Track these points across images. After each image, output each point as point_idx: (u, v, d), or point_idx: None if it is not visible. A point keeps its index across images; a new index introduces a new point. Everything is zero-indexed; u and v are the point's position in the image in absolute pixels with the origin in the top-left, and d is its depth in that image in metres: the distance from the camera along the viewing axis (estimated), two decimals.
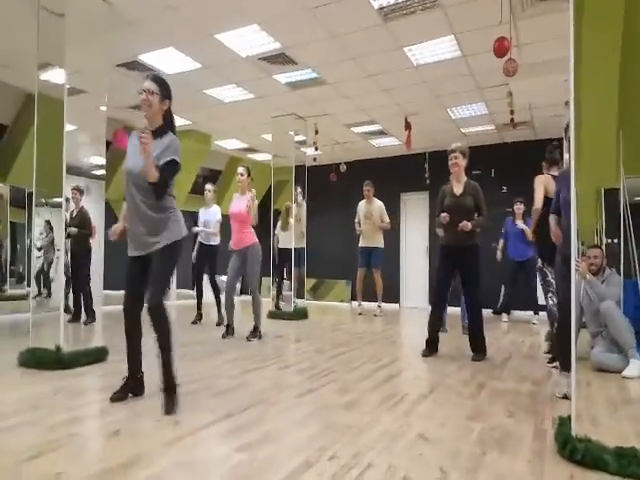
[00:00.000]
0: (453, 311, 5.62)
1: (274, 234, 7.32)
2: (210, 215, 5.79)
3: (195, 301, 6.03)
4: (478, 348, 3.94)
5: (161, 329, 2.49)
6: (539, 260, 4.06)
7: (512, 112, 5.79)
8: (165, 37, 4.84)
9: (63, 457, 1.85)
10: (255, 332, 4.78)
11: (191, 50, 5.13)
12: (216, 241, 5.83)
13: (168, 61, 5.38)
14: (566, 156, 5.68)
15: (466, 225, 3.78)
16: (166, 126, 2.55)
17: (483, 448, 2.02)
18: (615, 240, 5.57)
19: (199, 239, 5.88)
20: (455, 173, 4.02)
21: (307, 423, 2.30)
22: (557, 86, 5.37)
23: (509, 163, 7.94)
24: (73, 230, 4.69)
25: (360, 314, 7.29)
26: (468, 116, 7.10)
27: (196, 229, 5.78)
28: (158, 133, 2.49)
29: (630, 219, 4.41)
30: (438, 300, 4.14)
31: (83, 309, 4.73)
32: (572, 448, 1.88)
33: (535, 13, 4.21)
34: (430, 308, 4.19)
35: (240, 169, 4.81)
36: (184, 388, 2.75)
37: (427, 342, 4.10)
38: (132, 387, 2.64)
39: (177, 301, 8.88)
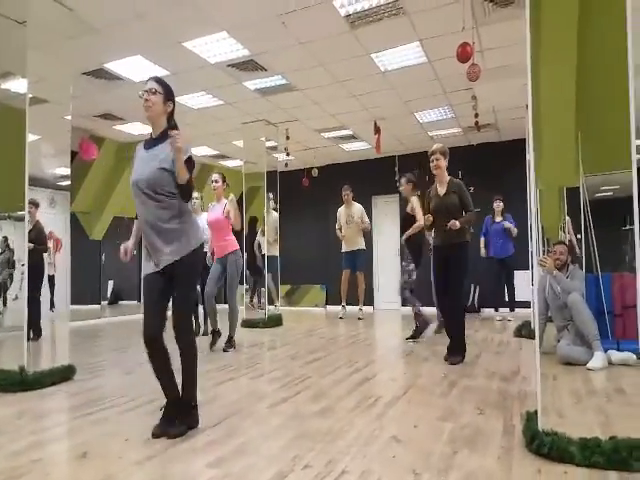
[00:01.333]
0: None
1: (254, 241, 7.28)
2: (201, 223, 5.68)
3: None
4: (457, 350, 3.85)
5: (187, 351, 2.36)
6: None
7: (477, 115, 5.94)
8: (132, 45, 4.76)
9: None
10: (230, 342, 4.72)
11: (159, 58, 5.07)
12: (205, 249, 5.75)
13: (135, 69, 5.29)
14: (528, 157, 5.85)
15: (454, 224, 3.75)
16: (170, 129, 2.37)
17: (454, 447, 2.05)
18: (578, 236, 5.77)
19: None
20: (437, 174, 4.05)
21: (280, 433, 2.29)
22: (519, 89, 5.53)
23: (476, 164, 8.12)
24: (30, 246, 4.54)
25: (341, 318, 7.26)
26: (435, 120, 7.23)
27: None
28: (165, 136, 2.34)
29: (590, 216, 4.58)
30: (442, 303, 4.09)
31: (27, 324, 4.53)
32: (539, 442, 1.94)
33: (496, 19, 4.33)
34: (439, 314, 4.11)
35: (214, 176, 4.69)
36: (156, 404, 2.70)
37: (448, 347, 3.97)
38: (176, 413, 2.34)
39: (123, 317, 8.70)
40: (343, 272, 7.20)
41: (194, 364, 2.39)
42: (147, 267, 2.36)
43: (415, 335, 5.01)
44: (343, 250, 7.16)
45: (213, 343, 4.75)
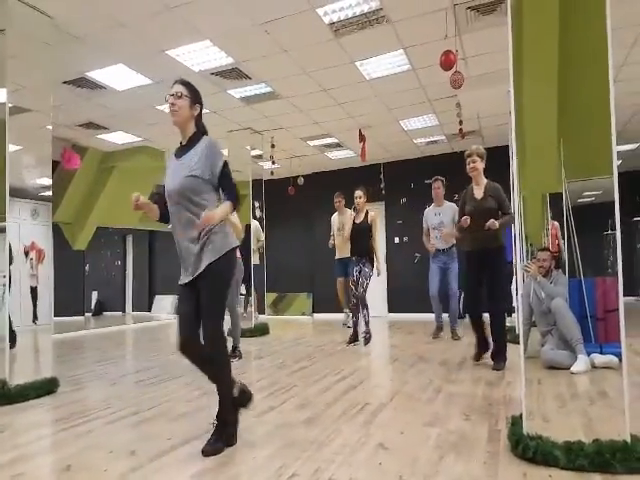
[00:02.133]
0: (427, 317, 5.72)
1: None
2: None
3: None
4: (499, 356, 3.77)
5: (217, 361, 2.24)
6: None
7: (461, 122, 6.02)
8: (114, 53, 4.74)
9: None
10: (234, 352, 4.64)
11: (142, 66, 5.05)
12: None
13: (118, 77, 5.27)
14: (512, 163, 5.94)
15: (493, 223, 3.61)
16: (200, 133, 2.33)
17: (441, 452, 2.06)
18: (561, 241, 5.86)
19: None
20: (474, 177, 3.94)
21: (267, 443, 2.27)
22: (502, 96, 5.63)
23: (460, 171, 8.19)
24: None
25: (344, 324, 7.04)
26: (420, 127, 7.31)
27: None
28: (193, 141, 2.29)
29: (573, 221, 4.66)
30: (472, 306, 3.93)
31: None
32: (524, 446, 1.95)
33: (479, 27, 4.40)
34: (468, 316, 4.00)
35: None
36: (140, 416, 2.67)
37: (477, 350, 4.00)
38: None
39: (132, 324, 8.60)
40: (337, 281, 7.07)
41: (226, 373, 2.25)
42: (182, 278, 2.27)
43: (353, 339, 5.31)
44: (336, 257, 7.11)
45: None
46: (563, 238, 5.34)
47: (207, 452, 2.11)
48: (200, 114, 2.35)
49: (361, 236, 5.25)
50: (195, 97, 2.31)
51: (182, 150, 2.33)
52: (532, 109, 4.04)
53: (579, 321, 3.72)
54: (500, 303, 3.86)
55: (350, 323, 7.07)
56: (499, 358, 3.77)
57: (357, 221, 5.33)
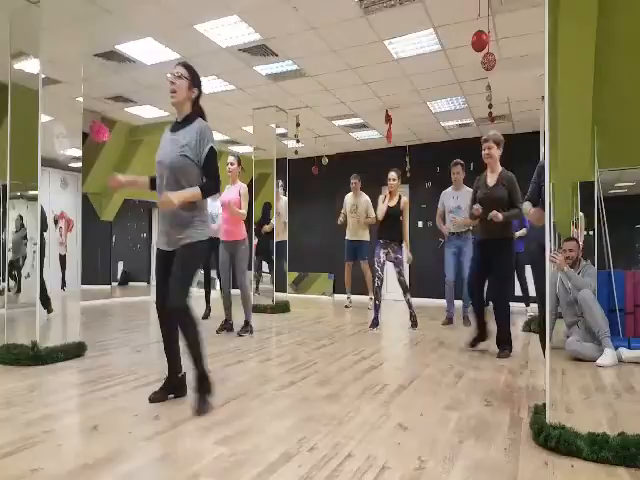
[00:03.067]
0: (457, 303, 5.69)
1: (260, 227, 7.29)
2: (214, 207, 5.74)
3: (204, 296, 6.01)
4: (503, 343, 3.81)
5: (184, 331, 2.38)
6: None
7: (490, 106, 5.86)
8: (144, 27, 4.74)
9: (39, 454, 1.82)
10: (247, 327, 4.75)
11: (170, 40, 5.03)
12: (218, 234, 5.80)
13: (147, 51, 5.27)
14: (542, 149, 5.76)
15: (496, 215, 3.60)
16: (195, 114, 2.46)
17: (460, 436, 2.06)
18: (590, 232, 5.70)
19: None
20: (489, 164, 3.87)
21: (287, 415, 2.31)
22: (534, 80, 5.44)
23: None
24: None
25: (347, 307, 7.27)
26: (447, 110, 7.14)
27: None
28: (188, 121, 2.42)
29: (604, 212, 4.52)
30: (474, 294, 3.95)
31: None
32: (546, 435, 1.93)
33: (512, 7, 4.24)
34: (470, 303, 4.06)
35: (230, 158, 4.74)
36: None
37: (476, 336, 4.01)
38: (173, 387, 2.55)
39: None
40: (346, 263, 7.15)
41: (194, 336, 2.39)
42: (159, 242, 2.50)
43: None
44: (346, 237, 7.12)
45: (221, 329, 4.81)
46: (593, 229, 5.19)
47: (199, 412, 2.30)
48: (198, 97, 2.48)
49: (393, 220, 5.17)
50: (194, 80, 2.44)
51: (177, 126, 2.46)
52: (566, 95, 3.90)
53: (607, 314, 3.63)
54: (505, 293, 3.87)
55: (370, 305, 7.14)
56: (503, 346, 3.79)
57: (391, 205, 5.22)
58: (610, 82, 4.24)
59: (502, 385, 2.91)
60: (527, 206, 3.31)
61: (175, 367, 2.55)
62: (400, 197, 5.26)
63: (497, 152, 3.84)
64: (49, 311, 4.65)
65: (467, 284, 4.12)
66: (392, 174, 5.26)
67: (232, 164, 4.70)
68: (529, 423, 2.11)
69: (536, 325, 5.02)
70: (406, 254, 5.23)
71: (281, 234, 7.12)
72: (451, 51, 5.16)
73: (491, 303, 3.99)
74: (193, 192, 2.33)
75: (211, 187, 2.39)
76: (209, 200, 2.60)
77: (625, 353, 3.50)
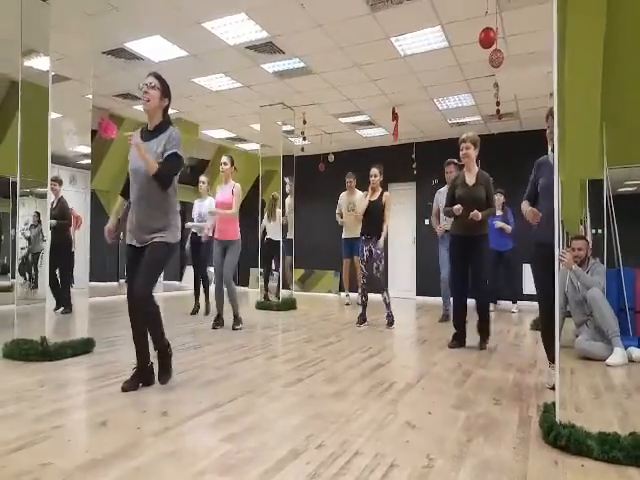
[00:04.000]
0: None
1: (261, 224, 7.28)
2: (204, 207, 5.78)
3: (193, 292, 6.13)
4: (484, 333, 4.00)
5: (148, 319, 2.62)
6: None
7: (498, 103, 5.81)
8: (152, 24, 4.74)
9: (49, 449, 1.84)
10: (237, 320, 4.84)
11: (178, 38, 5.04)
12: (210, 233, 5.83)
13: (155, 49, 5.28)
14: (549, 147, 5.71)
15: (477, 215, 3.77)
16: (165, 122, 2.64)
17: (469, 435, 2.05)
18: (599, 231, 5.65)
19: (193, 230, 5.88)
20: (466, 163, 4.01)
21: (295, 412, 2.31)
22: (542, 77, 5.39)
23: (495, 154, 7.98)
24: (52, 222, 4.61)
25: (347, 304, 7.32)
26: (455, 107, 7.10)
27: (189, 224, 5.82)
28: (159, 130, 2.59)
29: (613, 210, 4.47)
30: (457, 291, 4.08)
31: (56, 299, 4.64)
32: (556, 434, 1.91)
33: (520, 4, 4.20)
34: (452, 301, 4.14)
35: (223, 158, 4.85)
36: (171, 380, 2.74)
37: (454, 335, 4.06)
38: (143, 377, 2.68)
39: (163, 293, 8.82)
40: (344, 261, 7.18)
41: (157, 325, 2.65)
42: (129, 239, 2.68)
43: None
44: (343, 236, 7.12)
45: (216, 324, 4.86)
46: (602, 227, 5.15)
47: (163, 382, 2.64)
48: (167, 106, 2.66)
49: (373, 215, 5.15)
50: (165, 90, 2.62)
51: (148, 135, 2.61)
52: (574, 92, 3.86)
53: (617, 313, 3.60)
54: (484, 288, 4.06)
55: (360, 301, 7.15)
56: (484, 338, 3.98)
57: (371, 199, 5.21)
58: (619, 78, 4.20)
59: (510, 384, 2.90)
60: (525, 205, 3.33)
61: (145, 358, 2.70)
62: (382, 192, 5.23)
63: (474, 152, 3.98)
64: (66, 311, 4.69)
65: (450, 283, 4.20)
66: (373, 170, 5.27)
67: (225, 164, 4.79)
68: (538, 422, 2.09)
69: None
70: (382, 237, 5.14)
71: (287, 232, 7.13)
72: (458, 48, 5.12)
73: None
74: (154, 165, 2.50)
75: (160, 178, 2.53)
76: (196, 202, 2.82)
77: (635, 352, 3.47)
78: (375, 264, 5.09)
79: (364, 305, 5.23)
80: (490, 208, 3.96)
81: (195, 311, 5.98)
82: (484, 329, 4.01)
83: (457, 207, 3.86)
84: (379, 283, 5.13)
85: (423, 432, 2.08)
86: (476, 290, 4.06)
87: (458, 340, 4.03)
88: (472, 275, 4.00)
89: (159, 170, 2.50)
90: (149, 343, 2.69)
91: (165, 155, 2.53)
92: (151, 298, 2.59)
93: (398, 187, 9.27)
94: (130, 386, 2.60)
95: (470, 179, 3.99)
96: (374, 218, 5.15)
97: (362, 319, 5.22)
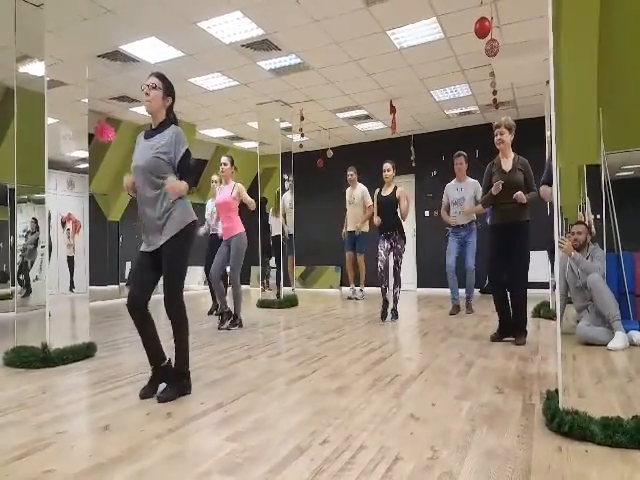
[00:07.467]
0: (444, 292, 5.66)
1: (266, 221, 7.31)
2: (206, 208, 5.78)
3: (209, 292, 6.08)
4: (520, 331, 3.77)
5: (178, 326, 2.60)
6: None
7: (495, 92, 5.77)
8: (146, 26, 4.73)
9: (52, 455, 1.84)
10: (235, 320, 4.83)
11: (173, 39, 5.03)
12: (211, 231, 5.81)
13: (150, 50, 5.27)
14: (547, 134, 5.69)
15: (520, 196, 3.59)
16: (169, 121, 2.62)
17: (473, 425, 2.05)
18: (598, 216, 5.63)
19: (211, 231, 5.76)
20: (501, 150, 3.86)
21: (298, 409, 2.31)
22: (538, 65, 5.37)
23: (493, 144, 7.95)
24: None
25: (349, 298, 7.32)
26: (451, 98, 7.08)
27: (202, 231, 5.64)
28: (162, 126, 2.57)
29: (611, 195, 4.46)
30: (495, 281, 3.89)
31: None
32: (559, 421, 1.91)
33: None
34: (493, 295, 3.93)
35: (223, 159, 4.84)
36: None
37: (498, 327, 3.92)
38: (160, 378, 2.61)
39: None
40: (346, 254, 7.22)
41: (184, 334, 2.62)
42: (144, 246, 2.62)
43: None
44: (346, 230, 7.18)
45: (221, 322, 4.84)
46: (601, 212, 5.13)
47: (162, 399, 2.46)
48: (172, 105, 2.63)
49: (388, 210, 5.13)
50: (168, 89, 2.59)
51: (151, 133, 2.60)
52: (570, 78, 3.84)
53: (617, 297, 3.59)
54: (523, 278, 3.78)
55: (358, 296, 7.19)
56: (520, 333, 3.75)
57: (384, 194, 5.18)
58: (614, 63, 4.17)
59: (513, 372, 2.90)
60: (544, 188, 3.30)
61: (159, 357, 2.63)
62: (396, 187, 5.21)
63: (509, 137, 3.82)
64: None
65: (489, 273, 4.01)
66: (386, 165, 5.24)
67: (225, 164, 4.78)
68: (542, 409, 2.09)
69: (546, 310, 4.99)
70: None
71: (287, 228, 7.15)
72: (454, 39, 5.10)
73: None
74: (186, 186, 2.52)
75: (190, 183, 2.58)
76: (209, 202, 2.75)
77: (636, 336, 3.47)
78: (395, 258, 5.06)
79: (386, 301, 5.14)
80: (532, 193, 3.72)
81: (212, 311, 5.91)
82: (522, 326, 3.78)
83: (497, 183, 3.66)
84: (395, 278, 5.09)
85: (427, 424, 2.08)
86: (512, 284, 3.80)
87: (500, 332, 3.87)
88: (512, 266, 3.76)
89: (188, 181, 2.55)
90: (160, 341, 2.64)
91: (179, 157, 2.54)
92: (180, 305, 2.59)
93: (397, 179, 9.19)
94: (148, 392, 2.54)
95: (506, 165, 3.82)
96: (389, 213, 5.12)
97: (385, 314, 5.13)
